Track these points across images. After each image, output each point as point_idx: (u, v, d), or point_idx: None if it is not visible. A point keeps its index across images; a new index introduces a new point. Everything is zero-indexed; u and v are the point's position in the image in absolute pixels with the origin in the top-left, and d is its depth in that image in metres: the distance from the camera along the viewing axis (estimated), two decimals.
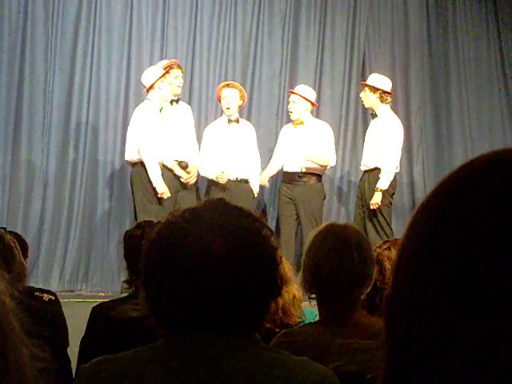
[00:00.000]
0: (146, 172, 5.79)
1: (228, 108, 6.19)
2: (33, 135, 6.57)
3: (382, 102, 6.30)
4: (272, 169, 6.49)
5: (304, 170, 6.29)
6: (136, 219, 5.72)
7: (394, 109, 7.41)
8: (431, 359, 0.53)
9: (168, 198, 5.80)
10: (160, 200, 5.79)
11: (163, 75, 5.91)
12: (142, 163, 5.83)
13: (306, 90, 6.41)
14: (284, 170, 6.41)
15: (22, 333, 0.63)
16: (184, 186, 6.04)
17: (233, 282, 1.25)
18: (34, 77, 6.59)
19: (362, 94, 6.44)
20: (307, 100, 6.36)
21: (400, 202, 7.22)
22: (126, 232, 3.28)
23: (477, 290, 0.51)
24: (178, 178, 5.99)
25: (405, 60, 7.51)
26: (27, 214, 6.50)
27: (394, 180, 6.26)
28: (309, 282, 2.13)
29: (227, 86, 6.28)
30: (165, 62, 6.19)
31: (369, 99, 6.32)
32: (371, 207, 6.11)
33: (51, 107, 6.62)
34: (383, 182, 6.14)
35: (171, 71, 6.06)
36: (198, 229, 1.28)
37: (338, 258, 2.05)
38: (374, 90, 6.27)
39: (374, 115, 6.38)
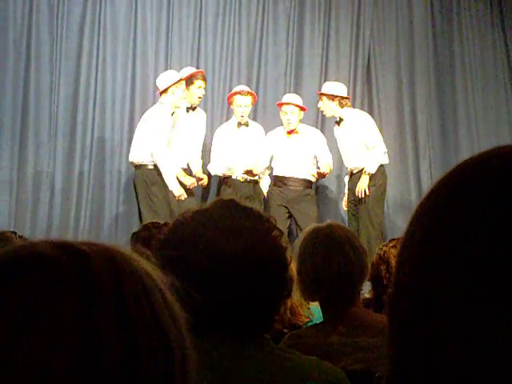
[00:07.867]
0: (150, 175, 5.78)
1: (242, 116, 6.27)
2: (39, 139, 6.56)
3: (341, 107, 6.19)
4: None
5: (307, 178, 6.26)
6: (141, 221, 5.72)
7: (399, 107, 7.43)
8: (433, 355, 0.53)
9: (175, 200, 5.76)
10: (167, 202, 5.77)
11: (178, 81, 5.90)
12: (146, 166, 5.80)
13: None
14: (278, 174, 6.32)
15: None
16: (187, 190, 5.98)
17: (244, 284, 1.25)
18: (39, 79, 6.59)
19: (319, 105, 6.30)
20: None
21: (407, 198, 7.22)
22: (133, 234, 3.28)
23: (479, 282, 0.51)
24: (182, 184, 5.94)
25: (410, 58, 7.50)
26: (35, 218, 6.49)
27: (384, 175, 6.18)
28: (309, 291, 2.14)
29: (241, 93, 6.25)
30: (189, 70, 6.22)
31: (328, 108, 6.20)
32: (357, 189, 5.97)
33: (57, 110, 6.62)
34: (371, 166, 6.01)
35: (195, 81, 6.10)
36: (209, 230, 1.28)
37: (334, 259, 2.06)
38: (332, 97, 6.17)
39: (340, 120, 6.23)
